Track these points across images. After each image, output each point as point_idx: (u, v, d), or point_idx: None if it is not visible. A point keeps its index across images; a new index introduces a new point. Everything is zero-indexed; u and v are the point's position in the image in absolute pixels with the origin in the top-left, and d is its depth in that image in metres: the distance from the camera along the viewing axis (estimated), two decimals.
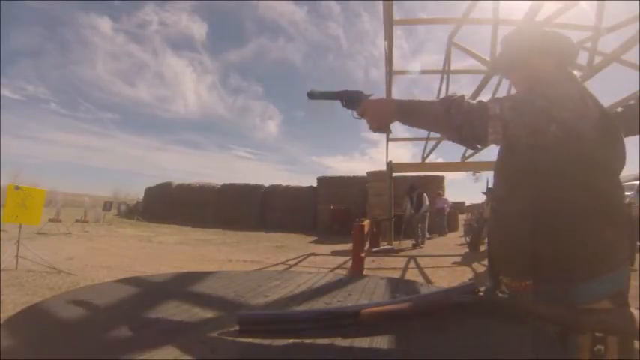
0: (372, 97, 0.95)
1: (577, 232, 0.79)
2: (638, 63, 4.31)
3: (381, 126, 0.93)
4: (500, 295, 0.92)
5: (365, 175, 12.33)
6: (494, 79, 5.09)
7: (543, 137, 0.76)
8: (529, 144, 0.78)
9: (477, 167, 9.22)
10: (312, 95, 1.05)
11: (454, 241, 9.49)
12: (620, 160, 0.86)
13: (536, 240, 0.82)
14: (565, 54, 0.94)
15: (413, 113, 0.86)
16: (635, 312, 0.67)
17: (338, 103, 1.03)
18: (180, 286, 1.03)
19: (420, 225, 8.38)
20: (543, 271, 0.82)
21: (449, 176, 13.69)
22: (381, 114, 0.90)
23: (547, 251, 0.81)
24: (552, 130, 0.75)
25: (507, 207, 0.91)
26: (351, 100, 1.01)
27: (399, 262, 6.49)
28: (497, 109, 0.76)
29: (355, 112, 0.98)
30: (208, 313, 0.77)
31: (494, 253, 0.98)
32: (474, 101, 0.80)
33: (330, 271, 5.41)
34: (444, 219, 11.34)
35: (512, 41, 1.00)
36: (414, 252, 7.71)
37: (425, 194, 8.54)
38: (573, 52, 0.97)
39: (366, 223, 6.08)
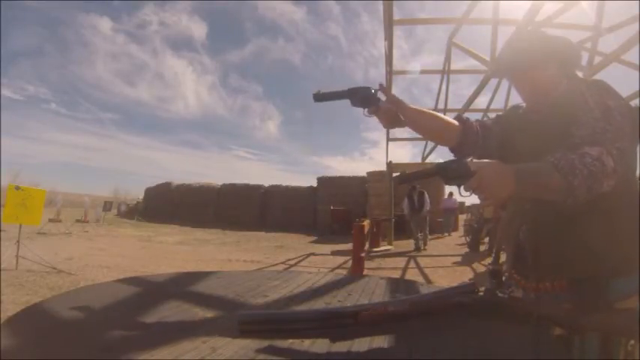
0: (484, 167, 0.79)
1: (611, 229, 0.80)
2: (638, 63, 4.32)
3: (500, 200, 0.80)
4: (499, 295, 0.92)
5: (365, 175, 12.33)
6: (495, 79, 5.09)
7: None
8: None
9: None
10: (318, 97, 0.99)
11: (454, 241, 9.48)
12: None
13: (572, 239, 0.83)
14: (570, 58, 0.95)
15: (532, 182, 0.75)
16: None
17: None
18: (180, 286, 1.03)
19: (421, 226, 8.29)
20: (577, 269, 0.82)
21: None
22: (501, 187, 0.76)
23: (581, 249, 0.81)
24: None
25: (542, 208, 0.89)
26: (362, 98, 0.95)
27: (399, 262, 6.48)
28: (611, 162, 0.71)
29: (448, 179, 0.84)
30: (208, 313, 0.77)
31: (532, 258, 0.95)
32: (589, 158, 0.71)
33: (330, 271, 5.41)
34: (452, 218, 11.31)
35: (517, 44, 1.00)
36: (414, 252, 7.71)
37: (426, 193, 8.45)
38: (578, 56, 0.97)
39: (366, 223, 6.09)
